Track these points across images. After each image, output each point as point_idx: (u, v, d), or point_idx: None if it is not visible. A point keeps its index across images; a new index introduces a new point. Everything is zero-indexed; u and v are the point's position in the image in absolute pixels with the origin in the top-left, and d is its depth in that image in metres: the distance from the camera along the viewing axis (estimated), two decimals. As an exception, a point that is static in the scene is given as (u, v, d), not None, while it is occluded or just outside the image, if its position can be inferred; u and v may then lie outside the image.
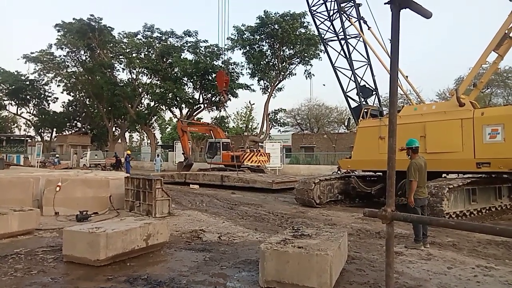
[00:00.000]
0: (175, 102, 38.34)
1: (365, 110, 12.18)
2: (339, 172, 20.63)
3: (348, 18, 13.02)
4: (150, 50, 38.44)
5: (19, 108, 49.28)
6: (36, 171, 12.65)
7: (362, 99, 12.94)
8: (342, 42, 13.20)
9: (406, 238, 6.63)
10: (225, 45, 31.80)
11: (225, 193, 14.47)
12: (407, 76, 11.63)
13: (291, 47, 32.53)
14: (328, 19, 13.41)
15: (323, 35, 13.81)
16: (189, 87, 38.73)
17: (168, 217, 8.44)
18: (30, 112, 50.24)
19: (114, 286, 4.05)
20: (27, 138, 39.50)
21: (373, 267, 4.86)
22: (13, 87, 45.11)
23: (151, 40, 38.03)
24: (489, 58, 9.71)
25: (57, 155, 36.92)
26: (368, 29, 13.12)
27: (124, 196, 9.59)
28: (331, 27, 13.40)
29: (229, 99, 30.73)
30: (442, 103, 12.60)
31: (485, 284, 4.30)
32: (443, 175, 10.20)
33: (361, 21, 13.14)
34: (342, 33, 13.20)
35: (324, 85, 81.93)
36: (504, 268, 4.92)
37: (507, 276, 4.61)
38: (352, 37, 13.27)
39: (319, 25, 13.73)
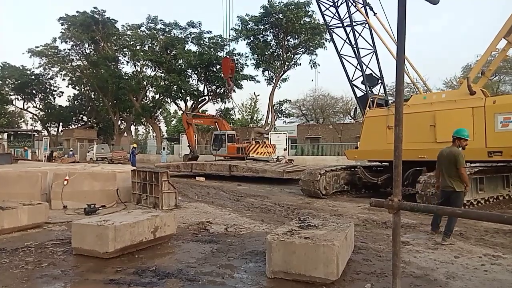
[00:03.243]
0: (180, 95, 38.35)
1: (372, 99, 12.07)
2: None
3: (354, 4, 12.80)
4: (154, 42, 38.30)
5: (25, 103, 49.63)
6: (44, 165, 12.77)
7: (368, 88, 12.81)
8: (348, 29, 13.01)
9: (412, 228, 6.62)
10: (229, 35, 31.64)
11: (231, 185, 14.52)
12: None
13: (296, 36, 32.14)
14: (333, 5, 13.18)
15: (328, 22, 13.60)
16: (194, 79, 38.76)
17: (175, 209, 8.50)
18: (36, 107, 50.60)
19: (123, 278, 4.09)
20: (34, 133, 39.73)
21: (379, 257, 4.86)
22: (19, 81, 45.31)
23: (155, 32, 37.84)
24: (499, 45, 9.52)
25: (71, 149, 37.63)
26: (374, 15, 12.92)
27: (131, 189, 9.67)
28: (337, 14, 13.18)
29: (234, 90, 30.54)
30: (452, 91, 12.39)
31: (493, 273, 4.28)
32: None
33: (367, 7, 12.93)
34: (347, 20, 13.00)
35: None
36: (512, 257, 4.89)
37: (515, 264, 4.58)
38: (358, 24, 13.05)
39: (324, 11, 13.51)
